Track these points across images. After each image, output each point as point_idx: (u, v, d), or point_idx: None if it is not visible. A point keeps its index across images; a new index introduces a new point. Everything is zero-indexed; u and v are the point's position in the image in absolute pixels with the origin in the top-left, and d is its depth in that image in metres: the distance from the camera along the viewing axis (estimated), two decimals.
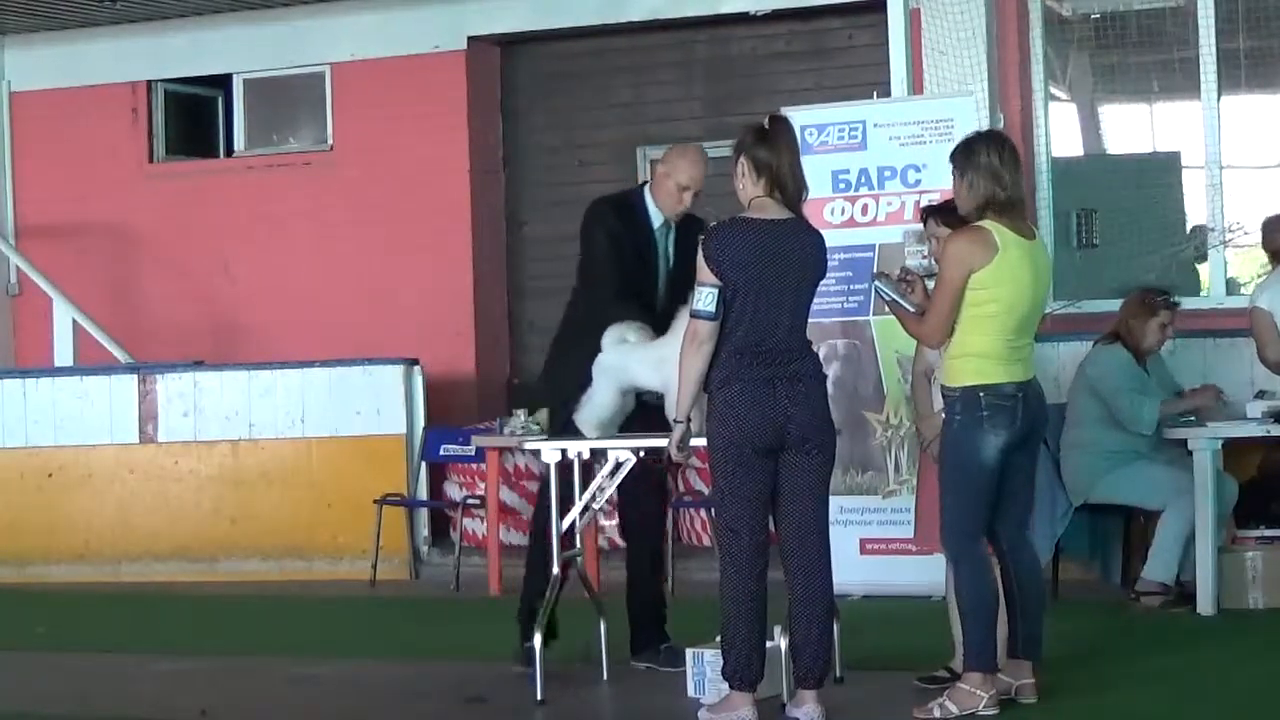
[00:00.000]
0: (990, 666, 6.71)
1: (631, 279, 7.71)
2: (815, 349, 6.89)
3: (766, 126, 6.76)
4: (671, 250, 7.88)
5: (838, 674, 7.37)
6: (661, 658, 7.88)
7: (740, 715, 6.68)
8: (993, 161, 6.70)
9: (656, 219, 7.87)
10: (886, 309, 7.27)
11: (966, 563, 6.75)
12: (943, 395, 6.88)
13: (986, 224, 6.68)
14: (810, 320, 6.89)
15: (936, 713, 6.71)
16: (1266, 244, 9.68)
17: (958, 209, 6.86)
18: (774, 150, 6.71)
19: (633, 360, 7.19)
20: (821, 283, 6.92)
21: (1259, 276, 10.21)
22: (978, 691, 6.66)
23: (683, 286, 7.19)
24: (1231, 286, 11.04)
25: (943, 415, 6.87)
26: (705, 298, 6.65)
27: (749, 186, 6.75)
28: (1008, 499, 6.80)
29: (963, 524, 6.75)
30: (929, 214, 7.41)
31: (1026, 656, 6.85)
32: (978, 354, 6.70)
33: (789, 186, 6.72)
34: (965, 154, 6.79)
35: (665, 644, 7.97)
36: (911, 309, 6.88)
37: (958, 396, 6.73)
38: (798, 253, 6.70)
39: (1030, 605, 6.84)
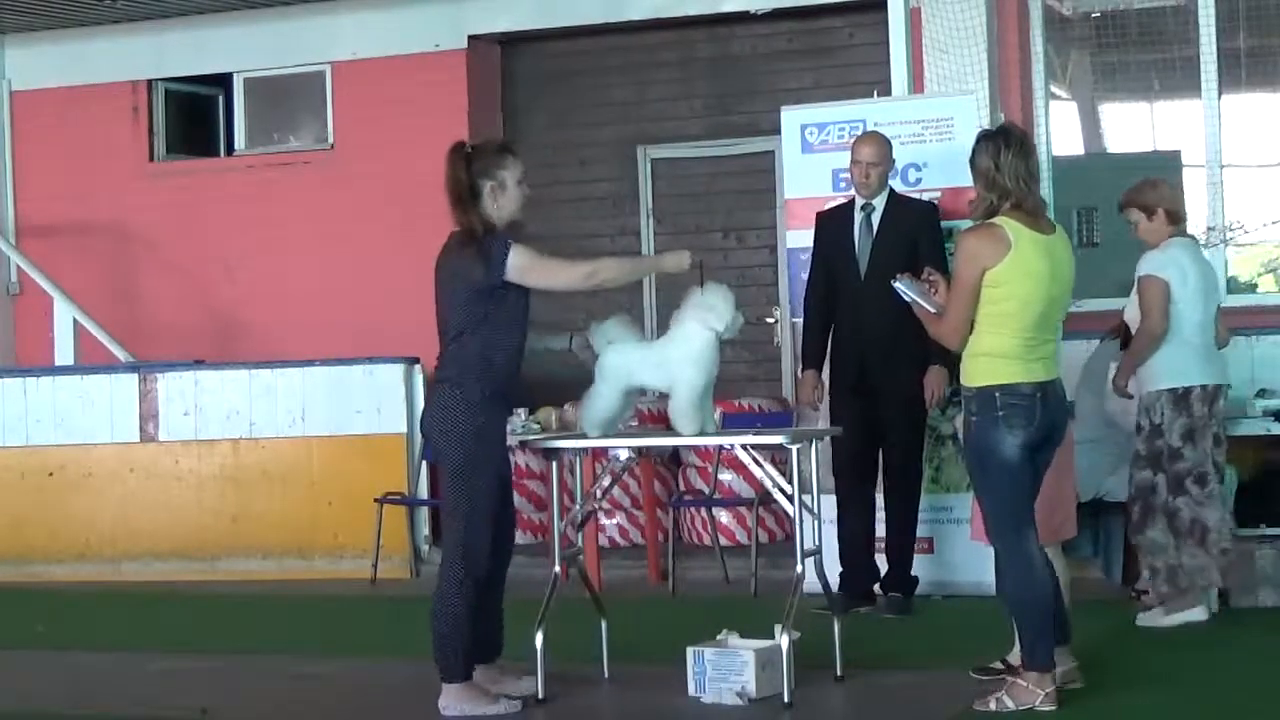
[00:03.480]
0: (1046, 664, 6.68)
1: (831, 268, 9.27)
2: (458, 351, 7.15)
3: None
4: (876, 224, 9.18)
5: (838, 673, 7.38)
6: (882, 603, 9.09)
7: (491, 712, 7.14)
8: (988, 165, 6.70)
9: (857, 204, 9.26)
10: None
11: (1014, 559, 6.71)
12: (962, 395, 6.87)
13: (999, 220, 6.66)
14: None
15: (993, 706, 6.70)
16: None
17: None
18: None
19: (636, 362, 7.24)
20: None
21: (1261, 273, 10.21)
22: (1035, 688, 6.66)
23: (881, 256, 8.97)
24: (1232, 285, 11.03)
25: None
26: None
27: None
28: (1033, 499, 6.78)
29: (1004, 522, 6.72)
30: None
31: (1058, 641, 6.81)
32: (994, 353, 6.66)
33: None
34: (971, 157, 6.82)
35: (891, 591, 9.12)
36: (933, 309, 6.84)
37: (974, 396, 6.70)
38: (444, 263, 7.20)
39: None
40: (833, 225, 9.37)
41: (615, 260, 7.67)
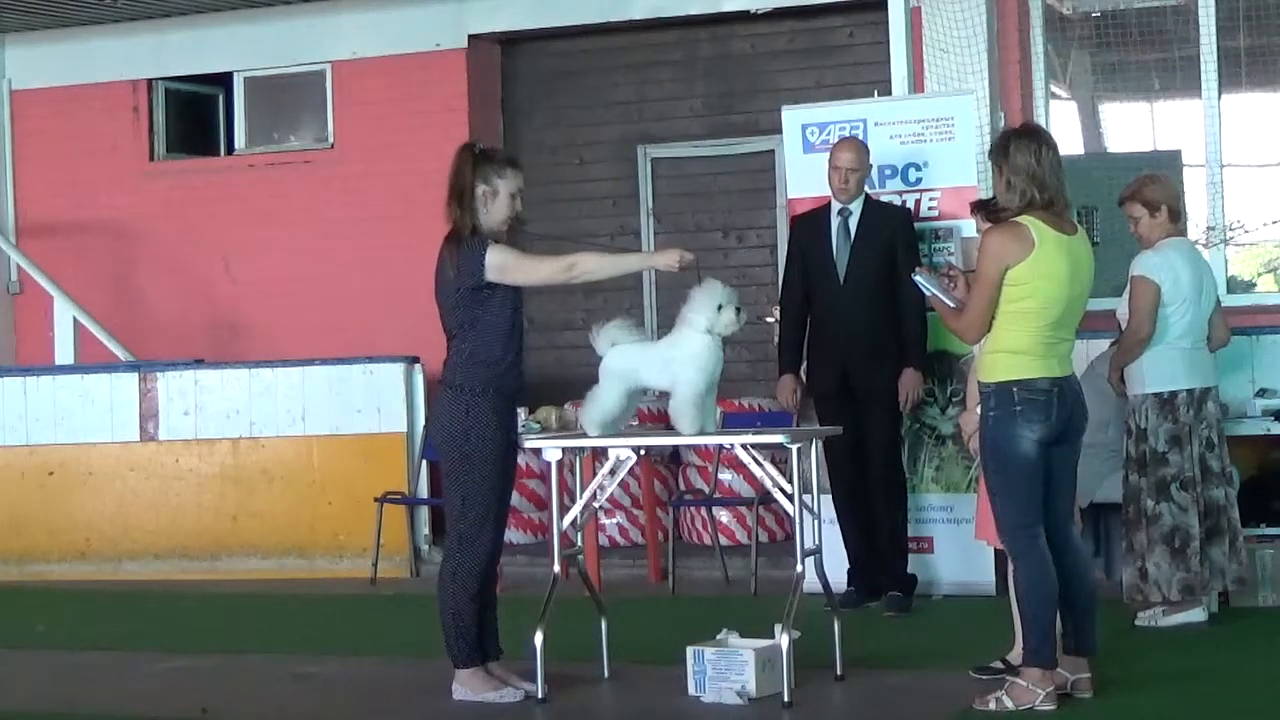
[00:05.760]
0: (1049, 663, 6.69)
1: (809, 272, 9.34)
2: (452, 351, 7.31)
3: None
4: (853, 229, 9.28)
5: (838, 673, 7.38)
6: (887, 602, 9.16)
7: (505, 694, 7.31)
8: (1030, 162, 6.66)
9: (835, 209, 9.33)
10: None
11: (1025, 557, 6.71)
12: (979, 390, 6.86)
13: (1024, 219, 6.66)
14: None
15: (993, 705, 6.71)
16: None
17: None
18: None
19: (641, 362, 7.27)
20: None
21: (1261, 273, 10.20)
22: (1035, 688, 6.66)
23: (859, 261, 9.19)
24: (1233, 285, 11.03)
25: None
26: None
27: None
28: (1050, 495, 6.77)
29: (1017, 518, 6.72)
30: (975, 208, 7.59)
31: (1079, 652, 6.84)
32: (1012, 349, 6.68)
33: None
34: (1003, 152, 6.76)
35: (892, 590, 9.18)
36: (952, 304, 6.84)
37: (992, 391, 6.71)
38: (438, 267, 7.33)
39: (1079, 601, 6.81)
40: (810, 229, 9.48)
41: (597, 254, 7.65)
